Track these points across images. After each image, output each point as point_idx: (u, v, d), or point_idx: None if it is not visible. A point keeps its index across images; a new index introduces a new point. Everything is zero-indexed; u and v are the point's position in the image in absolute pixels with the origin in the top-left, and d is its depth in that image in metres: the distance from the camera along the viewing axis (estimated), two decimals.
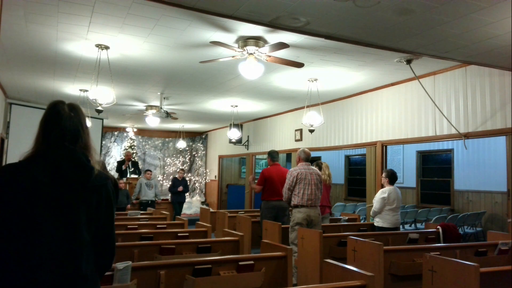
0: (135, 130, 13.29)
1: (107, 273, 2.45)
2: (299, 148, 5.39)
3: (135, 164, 10.97)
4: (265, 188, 5.88)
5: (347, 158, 13.01)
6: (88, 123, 6.72)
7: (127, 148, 12.97)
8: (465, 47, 4.06)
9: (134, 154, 12.86)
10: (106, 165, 12.86)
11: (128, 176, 10.40)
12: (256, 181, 6.23)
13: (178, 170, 10.76)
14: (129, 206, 8.26)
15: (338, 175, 12.81)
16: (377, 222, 5.29)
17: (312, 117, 6.76)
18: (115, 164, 12.29)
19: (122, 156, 12.48)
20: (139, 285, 2.63)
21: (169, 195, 10.15)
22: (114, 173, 11.35)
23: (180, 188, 9.64)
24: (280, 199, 5.40)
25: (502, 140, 6.60)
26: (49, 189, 1.49)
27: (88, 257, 1.55)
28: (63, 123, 1.59)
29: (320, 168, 5.71)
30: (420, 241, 4.81)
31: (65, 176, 1.52)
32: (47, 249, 1.46)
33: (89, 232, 1.57)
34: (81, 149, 1.61)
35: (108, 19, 4.08)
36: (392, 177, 5.32)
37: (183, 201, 10.07)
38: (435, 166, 10.53)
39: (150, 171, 9.47)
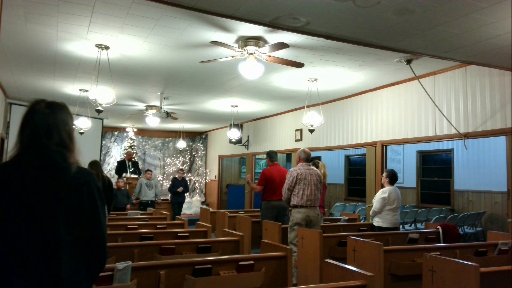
0: (135, 130, 13.29)
1: (107, 273, 2.45)
2: (299, 148, 5.39)
3: (135, 164, 10.98)
4: (266, 188, 5.89)
5: (347, 158, 13.00)
6: (88, 123, 6.66)
7: (127, 148, 12.97)
8: (465, 47, 4.06)
9: (134, 154, 12.86)
10: (106, 165, 12.86)
11: (128, 175, 10.40)
12: (255, 181, 6.23)
13: (177, 170, 10.71)
14: (129, 206, 8.26)
15: (338, 175, 12.80)
16: (377, 222, 5.29)
17: (312, 117, 6.76)
18: (115, 164, 12.31)
19: (122, 156, 12.49)
20: (139, 285, 2.63)
21: (169, 195, 10.16)
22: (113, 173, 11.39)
23: (180, 189, 9.63)
24: (281, 199, 5.40)
25: (502, 140, 6.59)
26: (23, 191, 1.47)
27: (71, 260, 1.51)
28: (36, 120, 1.57)
29: (316, 167, 5.71)
30: (420, 241, 4.81)
31: (38, 176, 1.50)
32: (22, 253, 1.43)
33: (70, 233, 1.52)
34: (57, 147, 1.57)
35: (108, 19, 4.08)
36: (392, 177, 5.33)
37: (182, 201, 10.06)
38: (435, 166, 10.52)
39: (151, 171, 9.48)
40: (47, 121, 1.59)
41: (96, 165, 5.73)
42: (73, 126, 1.72)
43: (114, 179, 9.76)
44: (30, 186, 1.48)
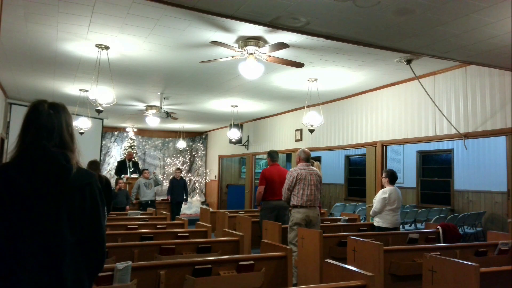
0: (135, 130, 13.29)
1: (107, 273, 2.45)
2: (299, 148, 5.39)
3: (135, 164, 10.98)
4: (266, 188, 5.87)
5: (347, 158, 13.00)
6: (88, 123, 6.67)
7: (127, 148, 12.98)
8: (465, 47, 4.06)
9: (134, 154, 12.86)
10: (106, 165, 12.85)
11: (128, 176, 10.40)
12: (256, 181, 6.22)
13: (175, 170, 10.64)
14: (128, 207, 8.24)
15: (338, 175, 12.80)
16: (377, 222, 5.29)
17: (312, 117, 6.76)
18: (115, 164, 12.29)
19: (122, 156, 12.49)
20: (139, 285, 2.63)
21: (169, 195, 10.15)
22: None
23: (178, 175, 9.71)
24: (281, 198, 5.40)
25: (502, 140, 6.60)
26: (26, 191, 1.47)
27: (72, 260, 1.52)
28: (40, 120, 1.58)
29: None
30: (420, 241, 4.80)
31: (41, 177, 1.50)
32: (25, 254, 1.44)
33: (73, 234, 1.53)
34: (59, 149, 1.58)
35: (108, 19, 4.08)
36: (392, 177, 5.32)
37: (181, 200, 9.98)
38: (435, 166, 10.52)
39: (147, 169, 9.47)
40: (52, 122, 1.59)
41: (95, 165, 5.76)
42: (74, 127, 1.73)
43: (113, 179, 9.75)
44: (34, 187, 1.49)
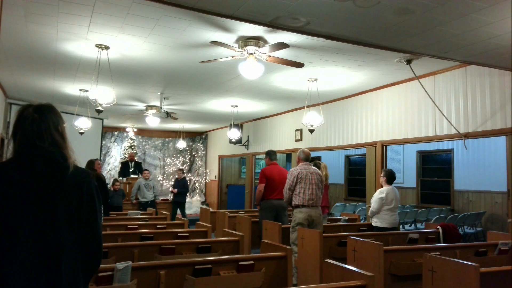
0: (135, 130, 13.30)
1: (107, 273, 2.45)
2: (299, 148, 5.39)
3: (138, 164, 10.97)
4: (265, 186, 5.87)
5: (347, 158, 13.00)
6: (88, 123, 6.65)
7: (127, 148, 12.98)
8: (465, 47, 4.06)
9: (134, 154, 12.87)
10: (106, 165, 12.85)
11: (130, 176, 10.42)
12: (256, 181, 6.22)
13: (177, 171, 10.68)
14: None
15: (338, 175, 12.80)
16: (375, 222, 5.29)
17: (312, 117, 6.76)
18: (115, 164, 12.30)
19: (123, 156, 12.49)
20: (139, 285, 2.63)
21: (169, 195, 10.16)
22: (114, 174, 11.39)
23: (174, 190, 9.58)
24: (281, 198, 5.40)
25: (502, 140, 6.60)
26: (24, 190, 1.48)
27: (70, 258, 1.53)
28: (25, 126, 1.56)
29: (318, 168, 5.70)
30: (420, 241, 4.81)
31: (39, 175, 1.51)
32: (23, 254, 1.44)
33: (71, 232, 1.54)
34: (56, 148, 1.58)
35: (108, 19, 4.08)
36: (390, 177, 5.32)
37: (181, 201, 9.97)
38: (435, 166, 10.52)
39: (148, 170, 9.46)
40: (38, 127, 1.57)
41: (89, 164, 5.87)
42: (64, 125, 1.69)
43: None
44: (31, 186, 1.49)
